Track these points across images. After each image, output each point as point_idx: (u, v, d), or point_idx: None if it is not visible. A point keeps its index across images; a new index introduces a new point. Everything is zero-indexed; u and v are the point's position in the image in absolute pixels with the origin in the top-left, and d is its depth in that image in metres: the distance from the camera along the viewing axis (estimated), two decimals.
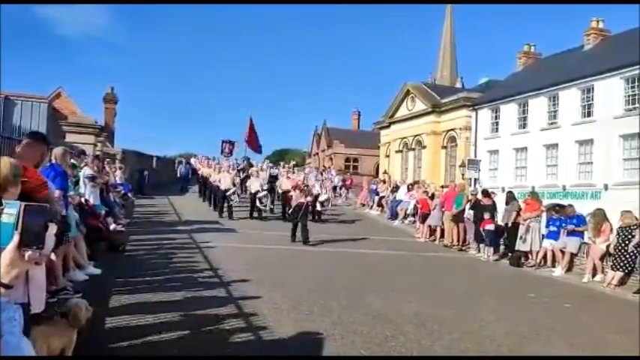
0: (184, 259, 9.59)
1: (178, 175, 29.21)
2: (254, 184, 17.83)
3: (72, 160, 8.78)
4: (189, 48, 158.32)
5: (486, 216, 13.15)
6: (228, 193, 17.24)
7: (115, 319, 5.45)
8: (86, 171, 9.92)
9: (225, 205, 17.24)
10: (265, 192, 18.05)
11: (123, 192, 15.57)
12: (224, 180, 17.53)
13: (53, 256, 5.43)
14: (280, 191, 18.32)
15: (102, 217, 9.86)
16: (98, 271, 7.62)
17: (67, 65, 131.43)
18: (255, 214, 17.56)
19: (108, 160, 17.80)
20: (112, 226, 10.61)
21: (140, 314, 5.70)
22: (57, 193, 5.45)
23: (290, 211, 14.19)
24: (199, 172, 24.15)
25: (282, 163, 24.78)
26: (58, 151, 6.61)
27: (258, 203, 17.49)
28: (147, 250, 10.34)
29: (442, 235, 15.48)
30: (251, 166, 23.46)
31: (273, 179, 19.96)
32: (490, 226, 13.07)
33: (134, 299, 6.34)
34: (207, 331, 5.31)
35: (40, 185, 3.17)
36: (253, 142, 27.56)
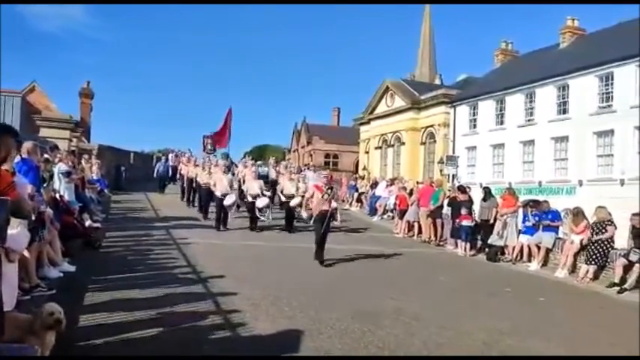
0: (162, 255, 9.49)
1: (155, 174, 24.58)
2: (253, 187, 14.58)
3: (45, 155, 8.64)
4: (168, 44, 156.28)
5: (463, 211, 13.26)
6: (226, 204, 14.04)
7: (89, 317, 5.38)
8: (61, 166, 9.77)
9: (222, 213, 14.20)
10: (266, 200, 14.67)
11: (99, 188, 15.39)
12: (220, 184, 14.28)
13: (26, 253, 5.32)
14: (284, 198, 15.13)
15: (77, 213, 9.73)
16: (73, 268, 7.52)
17: (42, 59, 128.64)
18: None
19: (86, 156, 17.54)
20: (88, 223, 10.48)
21: (116, 312, 5.63)
22: (29, 188, 5.34)
23: (312, 221, 11.40)
24: (181, 172, 21.11)
25: (271, 161, 21.46)
26: (28, 145, 6.50)
27: (257, 213, 14.22)
28: (123, 246, 10.21)
29: (420, 231, 15.60)
30: (232, 164, 22.27)
31: (264, 178, 17.72)
32: (467, 222, 13.20)
33: (109, 296, 6.25)
34: (183, 328, 5.27)
35: (8, 187, 3.07)
36: (225, 137, 24.49)
